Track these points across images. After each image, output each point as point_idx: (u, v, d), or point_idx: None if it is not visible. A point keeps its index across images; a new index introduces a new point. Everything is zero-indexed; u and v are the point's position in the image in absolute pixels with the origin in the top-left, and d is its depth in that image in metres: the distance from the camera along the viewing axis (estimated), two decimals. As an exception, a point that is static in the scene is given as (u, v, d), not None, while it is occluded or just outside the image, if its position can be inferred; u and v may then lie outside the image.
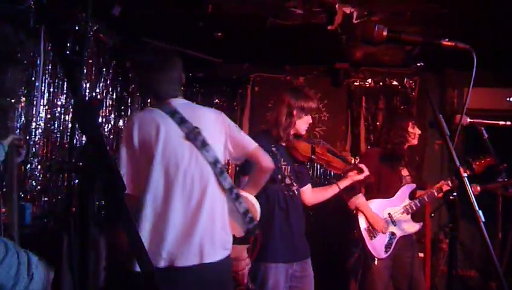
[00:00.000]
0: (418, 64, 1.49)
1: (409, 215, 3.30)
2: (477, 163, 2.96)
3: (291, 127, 2.72)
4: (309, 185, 2.96)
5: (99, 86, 4.17)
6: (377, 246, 3.24)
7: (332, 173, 5.11)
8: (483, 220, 1.30)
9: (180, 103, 2.15)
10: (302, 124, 2.74)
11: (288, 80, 5.46)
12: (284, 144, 2.76)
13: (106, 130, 4.35)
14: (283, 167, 2.70)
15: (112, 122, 4.45)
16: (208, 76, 5.48)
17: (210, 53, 4.98)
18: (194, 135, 2.04)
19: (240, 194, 2.16)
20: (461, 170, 1.36)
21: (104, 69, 4.23)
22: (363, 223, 3.26)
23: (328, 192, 2.95)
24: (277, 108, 2.76)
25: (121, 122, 4.60)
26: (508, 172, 2.85)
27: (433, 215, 3.35)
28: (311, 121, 2.78)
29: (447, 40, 1.47)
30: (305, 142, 2.78)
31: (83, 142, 0.81)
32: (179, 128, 2.04)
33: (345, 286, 3.97)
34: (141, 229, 1.90)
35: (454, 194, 1.40)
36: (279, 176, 2.66)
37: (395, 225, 3.28)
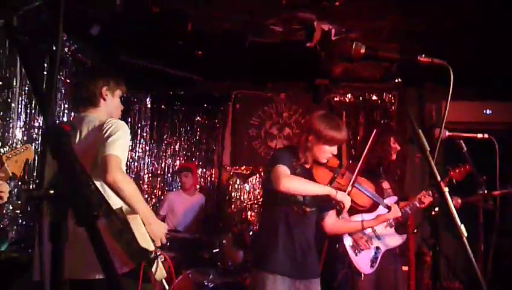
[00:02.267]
0: (396, 81, 1.50)
1: (393, 229, 3.30)
2: (457, 171, 3.00)
3: (310, 153, 2.68)
4: (331, 213, 2.89)
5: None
6: (363, 261, 3.22)
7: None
8: (466, 234, 1.30)
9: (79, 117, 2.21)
10: (323, 152, 2.68)
11: (269, 97, 5.48)
12: (307, 166, 2.73)
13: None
14: None
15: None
16: (189, 94, 5.47)
17: (190, 71, 4.98)
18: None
19: (112, 211, 1.97)
20: (442, 185, 1.36)
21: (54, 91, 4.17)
22: (347, 240, 3.25)
23: (350, 227, 2.98)
24: (305, 130, 2.72)
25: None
26: (487, 184, 2.88)
27: (415, 231, 3.35)
28: (335, 153, 2.70)
29: (423, 56, 1.48)
30: (327, 169, 2.72)
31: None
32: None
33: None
34: None
35: (436, 209, 1.40)
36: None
37: (379, 239, 3.27)
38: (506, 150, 2.79)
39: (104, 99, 2.27)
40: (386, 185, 3.43)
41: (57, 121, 2.17)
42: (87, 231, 0.74)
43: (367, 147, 2.79)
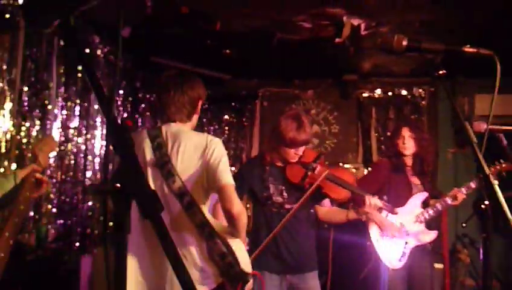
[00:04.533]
0: (441, 72, 1.48)
1: (423, 225, 3.25)
2: (497, 167, 2.94)
3: (277, 154, 2.74)
4: (323, 203, 2.94)
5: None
6: (391, 255, 3.18)
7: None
8: (518, 227, 1.27)
9: (174, 128, 2.09)
10: (287, 154, 2.72)
11: (296, 94, 5.47)
12: (280, 164, 2.77)
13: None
14: (271, 186, 2.74)
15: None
16: (217, 93, 5.50)
17: (218, 69, 5.01)
18: (162, 163, 1.97)
19: (215, 234, 1.97)
20: (491, 177, 1.33)
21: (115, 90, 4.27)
22: (374, 233, 3.22)
23: (337, 217, 2.94)
24: (272, 130, 2.79)
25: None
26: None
27: (464, 225, 3.30)
28: (300, 153, 2.72)
29: (468, 46, 1.45)
30: (299, 166, 2.74)
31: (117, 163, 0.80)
32: (153, 154, 2.00)
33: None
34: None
35: (486, 202, 1.37)
36: (265, 194, 2.72)
37: (408, 235, 3.23)
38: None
39: (198, 113, 2.19)
40: (416, 180, 3.37)
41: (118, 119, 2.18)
42: (151, 223, 0.76)
43: None
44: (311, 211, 2.94)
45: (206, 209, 2.05)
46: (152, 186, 1.97)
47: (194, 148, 2.03)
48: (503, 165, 2.93)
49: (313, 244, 2.87)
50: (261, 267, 2.66)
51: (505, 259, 4.72)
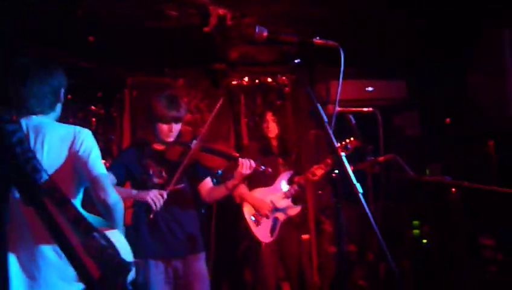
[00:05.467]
0: (296, 61, 1.68)
1: (289, 200, 3.62)
2: (343, 143, 3.35)
3: (152, 133, 2.83)
4: (205, 182, 3.00)
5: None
6: (263, 231, 3.50)
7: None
8: (361, 191, 1.53)
9: (35, 120, 1.98)
10: (160, 131, 2.79)
11: (167, 83, 5.46)
12: (159, 148, 2.82)
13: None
14: (150, 168, 2.79)
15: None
16: (81, 82, 5.22)
17: (82, 57, 4.76)
18: (24, 160, 1.83)
19: (91, 228, 1.90)
20: (339, 149, 1.58)
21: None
22: (248, 212, 3.50)
23: (219, 192, 2.98)
24: (146, 109, 2.90)
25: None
26: (373, 152, 3.28)
27: (320, 192, 3.74)
28: (175, 131, 2.80)
29: (318, 38, 1.68)
30: (177, 145, 2.82)
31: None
32: (14, 150, 1.86)
33: (240, 275, 4.17)
34: None
35: (336, 171, 1.62)
36: (144, 176, 2.78)
37: (277, 210, 3.56)
38: (386, 121, 3.20)
39: (61, 101, 2.07)
40: (280, 161, 3.73)
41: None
42: (35, 210, 0.77)
43: (213, 112, 2.89)
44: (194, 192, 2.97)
45: (79, 203, 2.01)
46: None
47: (61, 141, 1.97)
48: (350, 141, 3.36)
49: (197, 226, 2.91)
50: (145, 255, 2.67)
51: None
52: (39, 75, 1.99)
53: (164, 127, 2.77)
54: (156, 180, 2.78)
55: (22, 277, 1.89)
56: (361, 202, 1.54)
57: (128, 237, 2.46)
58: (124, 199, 2.51)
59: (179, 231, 2.80)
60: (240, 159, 2.84)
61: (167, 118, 2.75)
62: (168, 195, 2.68)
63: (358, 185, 1.52)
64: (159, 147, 2.82)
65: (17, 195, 1.49)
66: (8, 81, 2.02)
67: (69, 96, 4.59)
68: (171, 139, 2.81)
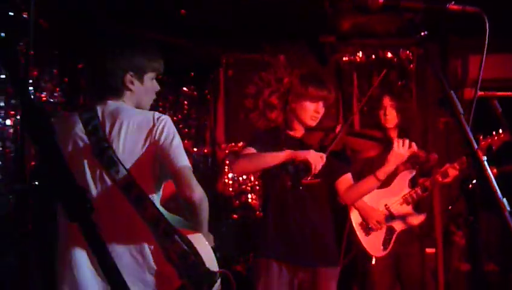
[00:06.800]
0: (422, 34, 1.49)
1: (410, 206, 3.35)
2: (495, 138, 3.02)
3: (294, 115, 2.80)
4: (344, 178, 2.89)
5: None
6: (374, 243, 3.28)
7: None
8: (509, 209, 1.32)
9: (112, 106, 2.02)
10: (305, 111, 2.75)
11: (266, 60, 5.45)
12: (298, 135, 2.82)
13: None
14: None
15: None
16: (172, 61, 5.41)
17: (171, 34, 4.92)
18: (99, 150, 1.90)
19: (172, 230, 1.94)
20: (480, 153, 1.37)
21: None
22: (355, 218, 3.30)
23: (366, 185, 2.85)
24: (285, 92, 2.92)
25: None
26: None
27: (450, 208, 3.42)
28: (320, 112, 2.76)
29: (453, 3, 1.47)
30: (319, 131, 2.80)
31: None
32: (89, 140, 1.93)
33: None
34: None
35: (474, 181, 1.41)
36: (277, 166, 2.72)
37: (393, 218, 3.32)
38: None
39: (130, 90, 2.07)
40: None
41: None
42: (80, 228, 0.75)
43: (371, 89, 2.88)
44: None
45: (157, 200, 2.02)
46: (90, 179, 1.91)
47: (138, 129, 1.98)
48: (495, 138, 3.02)
49: (332, 232, 2.83)
50: (268, 254, 2.66)
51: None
52: (119, 53, 2.03)
53: (311, 106, 2.74)
54: (291, 169, 2.74)
55: (94, 278, 1.96)
56: (508, 221, 1.33)
57: (253, 229, 2.44)
58: (265, 165, 2.66)
59: (313, 237, 2.73)
60: (395, 140, 2.73)
61: (317, 96, 2.72)
62: (302, 191, 2.67)
63: (505, 201, 1.31)
64: (294, 133, 2.82)
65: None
66: (86, 62, 2.10)
67: (159, 76, 4.81)
68: (313, 123, 2.78)
